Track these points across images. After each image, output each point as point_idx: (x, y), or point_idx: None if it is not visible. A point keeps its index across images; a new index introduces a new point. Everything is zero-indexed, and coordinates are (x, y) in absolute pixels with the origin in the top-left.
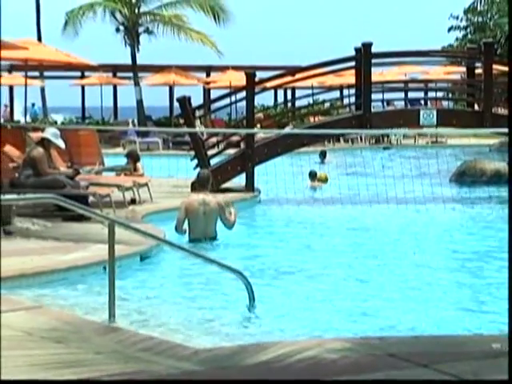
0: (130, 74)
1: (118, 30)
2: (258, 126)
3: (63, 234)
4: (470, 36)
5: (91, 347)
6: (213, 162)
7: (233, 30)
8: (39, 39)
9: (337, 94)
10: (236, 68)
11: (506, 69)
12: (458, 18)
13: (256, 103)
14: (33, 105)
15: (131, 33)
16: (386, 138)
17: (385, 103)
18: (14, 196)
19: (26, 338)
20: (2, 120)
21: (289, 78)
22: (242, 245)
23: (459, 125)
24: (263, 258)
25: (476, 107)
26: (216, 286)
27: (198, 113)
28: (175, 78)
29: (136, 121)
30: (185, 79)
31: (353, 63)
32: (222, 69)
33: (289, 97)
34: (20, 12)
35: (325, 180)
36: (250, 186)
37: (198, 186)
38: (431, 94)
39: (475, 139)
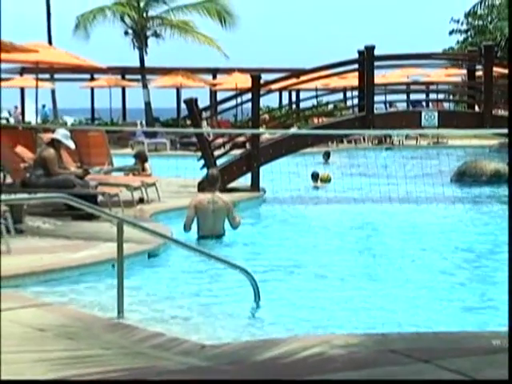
0: (139, 77)
1: (126, 33)
2: (264, 126)
3: (73, 233)
4: (470, 39)
5: (100, 343)
6: (219, 162)
7: (239, 33)
8: (50, 42)
9: (340, 95)
10: (242, 70)
11: (505, 71)
12: (458, 21)
13: (261, 105)
14: (43, 106)
15: (139, 36)
16: (388, 139)
17: (387, 105)
18: (26, 195)
19: (36, 334)
20: (13, 121)
21: (293, 80)
22: (248, 243)
23: (460, 126)
24: (268, 256)
25: (476, 109)
26: (222, 282)
27: (204, 114)
28: (182, 81)
29: (144, 122)
30: (192, 81)
31: (356, 66)
32: (228, 71)
33: (293, 98)
34: (31, 16)
35: (328, 180)
36: (255, 185)
37: (207, 184)
38: (433, 96)
39: (476, 140)
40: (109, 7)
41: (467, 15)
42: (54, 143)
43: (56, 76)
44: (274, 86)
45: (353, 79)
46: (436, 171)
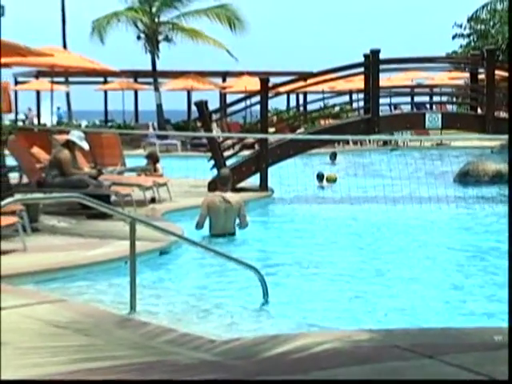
0: (151, 80)
1: (139, 37)
2: (272, 129)
3: (87, 231)
4: (473, 43)
5: (113, 339)
6: (229, 162)
7: (248, 38)
8: (64, 46)
9: (346, 98)
10: (251, 74)
11: (507, 74)
12: (461, 26)
13: (270, 107)
14: (58, 108)
15: (151, 40)
16: (393, 140)
17: (392, 107)
18: (41, 195)
19: (51, 329)
20: (27, 122)
21: (301, 83)
22: (257, 241)
23: (463, 128)
24: (277, 253)
25: (479, 111)
26: (231, 280)
27: (214, 116)
28: (193, 84)
29: (156, 124)
30: (202, 84)
31: (362, 69)
32: (238, 74)
33: (301, 101)
34: (47, 21)
35: (334, 180)
36: (264, 185)
37: (219, 184)
38: (436, 99)
39: (478, 141)
40: (122, 13)
41: (470, 20)
42: (69, 144)
43: (71, 79)
44: (282, 89)
45: (359, 82)
46: (439, 172)
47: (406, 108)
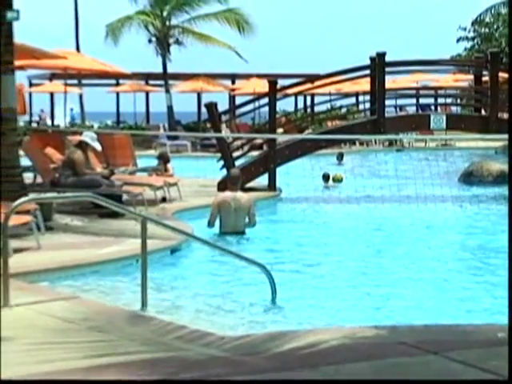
0: (161, 82)
1: (150, 41)
2: (280, 130)
3: (99, 230)
4: (477, 46)
5: (125, 335)
6: (237, 163)
7: (256, 41)
8: (78, 49)
9: (353, 100)
10: (259, 76)
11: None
12: (465, 29)
13: (278, 108)
14: (71, 110)
15: (162, 44)
16: (398, 141)
17: (397, 109)
18: (55, 194)
19: (64, 325)
20: (38, 124)
21: (308, 85)
22: (265, 239)
23: (467, 129)
24: (284, 251)
25: (483, 112)
26: (240, 277)
27: (224, 117)
28: (203, 86)
29: (167, 125)
30: (212, 86)
31: (368, 71)
32: (247, 77)
33: (308, 103)
34: (60, 25)
35: (340, 180)
36: (272, 185)
37: (229, 183)
38: (441, 100)
39: (482, 142)
40: (134, 17)
41: (474, 23)
42: (82, 145)
43: (83, 81)
44: (290, 91)
45: (365, 84)
46: (444, 172)
47: (412, 109)
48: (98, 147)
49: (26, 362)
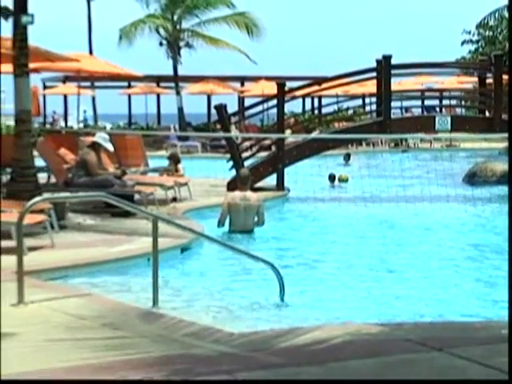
0: (172, 84)
1: (161, 44)
2: (289, 131)
3: (112, 229)
4: (481, 49)
5: (137, 331)
6: (246, 163)
7: (265, 43)
8: (90, 52)
9: (359, 101)
10: (268, 78)
11: None
12: (470, 32)
13: (286, 110)
14: (84, 112)
15: (173, 47)
16: (404, 142)
17: (403, 110)
18: (68, 194)
19: (78, 322)
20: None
21: (316, 87)
22: (274, 237)
23: (471, 130)
24: (292, 249)
25: (487, 114)
26: (249, 275)
27: (233, 119)
28: (213, 88)
29: (177, 126)
30: (221, 88)
31: (374, 73)
32: (255, 79)
33: (316, 104)
34: (74, 28)
35: (345, 180)
36: (280, 185)
37: (239, 183)
38: (446, 102)
39: (486, 143)
40: (145, 21)
41: (478, 26)
42: (95, 146)
43: (96, 84)
44: (297, 93)
45: (371, 86)
46: (449, 172)
47: (417, 111)
48: (111, 148)
49: (40, 358)
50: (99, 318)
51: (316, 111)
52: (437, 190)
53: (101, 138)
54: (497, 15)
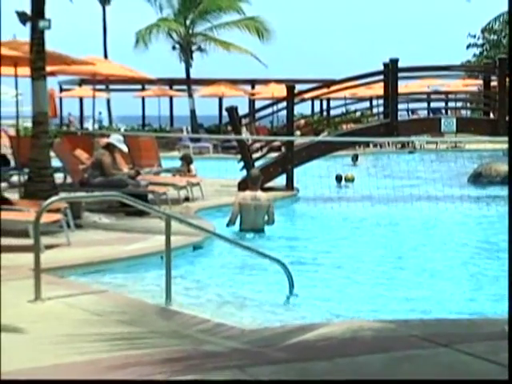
0: (185, 87)
1: (174, 48)
2: (298, 132)
3: (126, 227)
4: (486, 52)
5: (151, 327)
6: (257, 164)
7: (275, 47)
8: (105, 56)
9: (367, 104)
10: (278, 81)
11: None
12: (475, 36)
13: (295, 112)
14: (99, 114)
15: (186, 51)
16: (410, 143)
17: (410, 112)
18: (84, 194)
19: (93, 318)
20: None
21: (324, 90)
22: (283, 236)
23: (476, 131)
24: (302, 248)
25: (491, 116)
26: (259, 272)
27: (244, 121)
28: (224, 90)
29: (189, 128)
30: (233, 91)
31: (381, 76)
32: (266, 82)
33: (324, 106)
34: (89, 33)
35: (352, 180)
36: (290, 185)
37: (250, 183)
38: (451, 104)
39: (490, 144)
40: (159, 25)
41: (483, 31)
42: (109, 147)
43: (111, 87)
44: (307, 95)
45: (378, 89)
46: (454, 173)
47: (423, 113)
48: (125, 149)
49: (57, 352)
50: (114, 314)
51: (325, 113)
52: (442, 190)
53: (115, 139)
54: (501, 20)
